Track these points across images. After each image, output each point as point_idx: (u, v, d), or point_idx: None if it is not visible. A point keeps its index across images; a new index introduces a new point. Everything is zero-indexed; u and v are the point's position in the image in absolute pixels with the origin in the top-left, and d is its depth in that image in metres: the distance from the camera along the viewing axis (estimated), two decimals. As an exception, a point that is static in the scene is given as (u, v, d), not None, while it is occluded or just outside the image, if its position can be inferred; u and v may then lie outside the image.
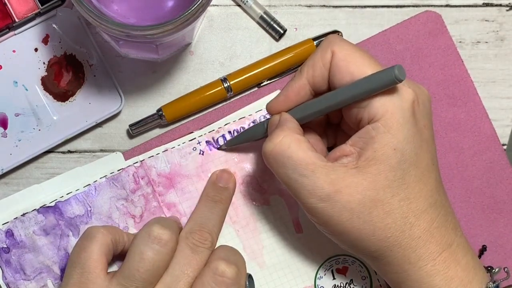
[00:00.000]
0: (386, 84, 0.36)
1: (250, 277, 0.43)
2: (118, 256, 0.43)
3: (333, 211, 0.37)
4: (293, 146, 0.38)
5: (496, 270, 0.41)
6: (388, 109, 0.37)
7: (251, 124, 0.46)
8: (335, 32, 0.47)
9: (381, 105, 0.37)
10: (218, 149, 0.46)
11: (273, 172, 0.39)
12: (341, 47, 0.39)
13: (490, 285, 0.39)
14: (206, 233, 0.42)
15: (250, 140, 0.45)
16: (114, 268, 0.44)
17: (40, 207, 0.45)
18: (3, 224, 0.44)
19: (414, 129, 0.37)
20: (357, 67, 0.38)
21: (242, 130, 0.46)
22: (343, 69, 0.39)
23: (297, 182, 0.38)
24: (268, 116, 0.45)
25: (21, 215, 0.45)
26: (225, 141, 0.46)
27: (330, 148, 0.43)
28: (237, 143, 0.45)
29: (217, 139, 0.46)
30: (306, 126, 0.41)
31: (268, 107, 0.43)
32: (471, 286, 0.38)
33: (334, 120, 0.43)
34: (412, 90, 0.38)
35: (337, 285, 0.46)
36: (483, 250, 0.47)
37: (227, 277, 0.40)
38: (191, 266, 0.41)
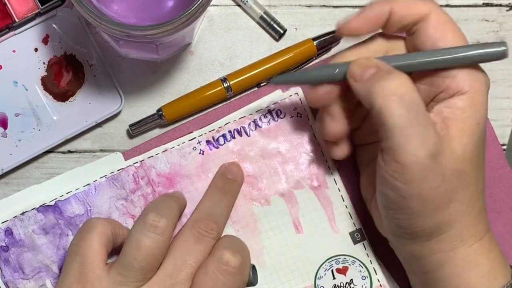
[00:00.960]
0: (491, 57, 0.37)
1: (253, 267, 0.43)
2: (117, 250, 0.42)
3: (432, 171, 0.36)
4: (416, 91, 0.36)
5: None
6: (476, 84, 0.37)
7: (251, 124, 0.46)
8: (335, 32, 0.47)
9: (469, 78, 0.37)
10: (267, 82, 0.45)
11: (386, 115, 0.36)
12: (440, 12, 0.38)
13: None
14: (212, 222, 0.42)
15: (307, 83, 0.40)
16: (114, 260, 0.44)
17: (40, 206, 0.45)
18: (2, 223, 0.44)
19: (486, 111, 0.38)
20: (453, 38, 0.38)
21: (239, 129, 0.46)
22: (439, 34, 0.38)
23: (413, 129, 0.35)
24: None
25: (21, 214, 0.45)
26: (280, 75, 0.43)
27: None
28: (288, 81, 0.42)
29: (217, 139, 0.46)
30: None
31: (343, 29, 0.39)
32: (508, 267, 0.39)
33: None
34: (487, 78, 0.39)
35: (337, 285, 0.46)
36: None
37: (231, 267, 0.40)
38: (194, 256, 0.40)
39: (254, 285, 0.43)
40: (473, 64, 0.38)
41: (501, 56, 0.37)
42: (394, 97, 0.36)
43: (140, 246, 0.39)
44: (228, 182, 0.44)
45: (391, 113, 0.36)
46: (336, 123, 0.41)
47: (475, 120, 0.37)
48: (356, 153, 0.45)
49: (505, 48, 0.37)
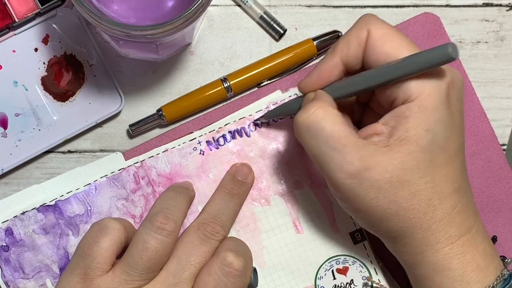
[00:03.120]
0: (437, 62, 0.36)
1: (255, 270, 0.43)
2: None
3: (360, 188, 0.37)
4: (327, 118, 0.37)
5: (509, 260, 0.41)
6: (425, 90, 0.37)
7: (251, 124, 0.46)
8: (335, 32, 0.47)
9: (417, 85, 0.37)
10: (253, 122, 0.46)
11: (303, 145, 0.39)
12: (377, 26, 0.39)
13: (505, 273, 0.39)
14: (218, 226, 0.42)
15: (287, 114, 0.44)
16: None
17: (40, 205, 0.45)
18: (2, 223, 0.44)
19: (448, 112, 0.37)
20: (394, 48, 0.38)
21: (239, 130, 0.46)
22: (378, 49, 0.38)
23: (327, 155, 0.37)
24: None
25: (21, 214, 0.45)
26: (263, 114, 0.46)
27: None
28: (274, 116, 0.45)
29: (218, 139, 0.46)
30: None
31: (301, 86, 0.42)
32: (487, 271, 0.38)
33: (363, 100, 0.43)
34: (449, 72, 0.37)
35: (338, 285, 0.46)
36: (494, 240, 0.48)
37: (234, 269, 0.40)
38: (198, 257, 0.40)
39: (254, 287, 0.43)
40: (421, 72, 0.37)
41: (449, 59, 0.35)
42: (302, 129, 0.38)
43: (147, 247, 0.39)
44: (237, 184, 0.44)
45: (304, 144, 0.39)
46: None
47: (422, 127, 0.37)
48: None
49: (451, 50, 0.35)
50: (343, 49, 0.40)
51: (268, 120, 0.46)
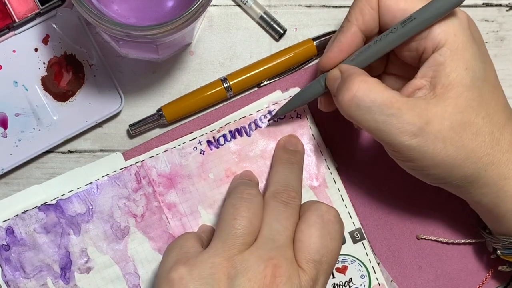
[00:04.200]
0: (449, 8, 0.37)
1: None
2: None
3: (427, 144, 0.37)
4: (373, 89, 0.37)
5: None
6: (450, 32, 0.37)
7: (252, 124, 0.46)
8: (335, 32, 0.47)
9: (442, 30, 0.37)
10: (269, 120, 0.46)
11: (356, 122, 0.38)
12: None
13: None
14: (292, 191, 0.41)
15: (304, 103, 0.44)
16: None
17: (41, 204, 0.45)
18: (3, 222, 0.45)
19: (476, 46, 0.38)
20: (408, 2, 0.38)
21: (239, 129, 0.46)
22: (393, 7, 0.39)
23: (386, 124, 0.37)
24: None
25: (22, 213, 0.45)
26: (278, 109, 0.45)
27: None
28: (292, 108, 0.45)
29: (218, 139, 0.46)
30: None
31: (322, 63, 0.41)
32: None
33: (377, 71, 0.43)
34: (459, 11, 0.38)
35: (337, 284, 0.46)
36: None
37: (332, 215, 0.40)
38: (288, 219, 0.39)
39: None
40: (436, 20, 0.37)
41: (458, 2, 0.36)
42: (352, 107, 0.38)
43: (238, 212, 0.38)
44: (292, 153, 0.44)
45: (357, 121, 0.38)
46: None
47: (461, 67, 0.37)
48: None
49: None
50: (358, 17, 0.40)
51: (284, 115, 0.46)
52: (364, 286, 0.46)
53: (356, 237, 0.46)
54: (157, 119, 0.46)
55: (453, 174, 0.39)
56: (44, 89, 0.46)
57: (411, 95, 0.38)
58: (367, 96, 0.37)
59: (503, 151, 0.38)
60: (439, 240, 0.47)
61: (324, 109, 0.44)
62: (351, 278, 0.46)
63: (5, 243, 0.44)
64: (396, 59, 0.41)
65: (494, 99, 0.39)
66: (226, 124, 0.46)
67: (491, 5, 0.48)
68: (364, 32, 0.40)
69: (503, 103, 0.39)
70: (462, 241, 0.47)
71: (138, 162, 0.46)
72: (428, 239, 0.47)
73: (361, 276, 0.46)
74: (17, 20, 0.45)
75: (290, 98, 0.45)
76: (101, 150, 0.47)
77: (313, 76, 0.47)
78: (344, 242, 0.46)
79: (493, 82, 0.39)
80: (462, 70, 0.37)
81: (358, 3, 0.40)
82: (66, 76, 0.46)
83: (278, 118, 0.46)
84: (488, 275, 0.47)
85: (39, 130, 0.46)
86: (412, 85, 0.39)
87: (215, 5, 0.47)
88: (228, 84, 0.46)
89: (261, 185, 0.46)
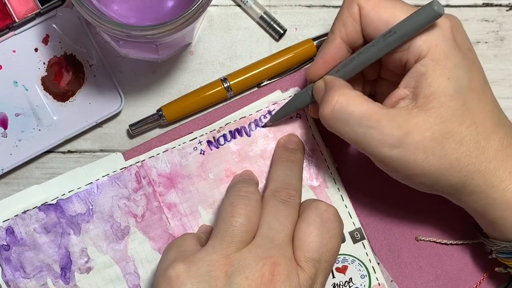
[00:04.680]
0: (428, 21, 0.36)
1: None
2: None
3: (408, 154, 0.37)
4: (351, 102, 0.38)
5: None
6: (432, 43, 0.37)
7: (252, 124, 0.46)
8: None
9: (423, 41, 0.37)
10: (262, 127, 0.46)
11: (338, 134, 0.39)
12: None
13: None
14: (292, 190, 0.41)
15: (295, 110, 0.45)
16: None
17: (41, 204, 0.45)
18: (3, 222, 0.45)
19: (460, 54, 0.38)
20: (390, 14, 0.38)
21: (239, 129, 0.46)
22: (375, 19, 0.39)
23: (366, 136, 0.37)
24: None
25: (22, 213, 0.45)
26: (270, 117, 0.46)
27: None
28: (282, 116, 0.45)
29: (218, 139, 0.46)
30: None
31: (309, 74, 0.42)
32: None
33: (370, 77, 0.43)
34: (445, 18, 0.38)
35: (337, 284, 0.46)
36: None
37: (331, 214, 0.40)
38: (287, 218, 0.39)
39: None
40: (417, 33, 0.37)
41: (437, 15, 0.36)
42: (332, 120, 0.38)
43: (236, 210, 0.38)
44: (292, 152, 0.44)
45: (338, 133, 0.39)
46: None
47: (443, 77, 0.37)
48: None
49: (436, 7, 0.36)
50: (341, 29, 0.40)
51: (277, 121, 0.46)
52: (364, 286, 0.46)
53: (356, 237, 0.46)
54: (157, 119, 0.46)
55: (439, 182, 0.39)
56: (44, 89, 0.46)
57: (394, 105, 0.38)
58: (345, 109, 0.38)
59: (489, 159, 0.38)
60: (438, 241, 0.47)
61: (313, 116, 0.44)
62: (351, 278, 0.46)
63: (5, 243, 0.44)
64: (386, 65, 0.41)
65: (480, 107, 0.38)
66: (226, 124, 0.46)
67: (491, 5, 0.48)
68: (348, 43, 0.40)
69: (491, 110, 0.39)
70: (461, 242, 0.47)
71: (138, 162, 0.46)
72: (427, 241, 0.47)
73: (361, 276, 0.46)
74: (17, 20, 0.45)
75: (281, 107, 0.46)
76: (101, 150, 0.47)
77: (313, 76, 0.47)
78: (344, 241, 0.46)
79: (480, 89, 0.39)
80: (444, 80, 0.37)
81: (340, 15, 0.40)
82: (66, 76, 0.46)
83: (270, 125, 0.46)
84: (485, 275, 0.47)
85: (39, 130, 0.46)
86: (395, 95, 0.39)
87: (215, 5, 0.47)
88: (228, 84, 0.46)
89: (261, 185, 0.46)
